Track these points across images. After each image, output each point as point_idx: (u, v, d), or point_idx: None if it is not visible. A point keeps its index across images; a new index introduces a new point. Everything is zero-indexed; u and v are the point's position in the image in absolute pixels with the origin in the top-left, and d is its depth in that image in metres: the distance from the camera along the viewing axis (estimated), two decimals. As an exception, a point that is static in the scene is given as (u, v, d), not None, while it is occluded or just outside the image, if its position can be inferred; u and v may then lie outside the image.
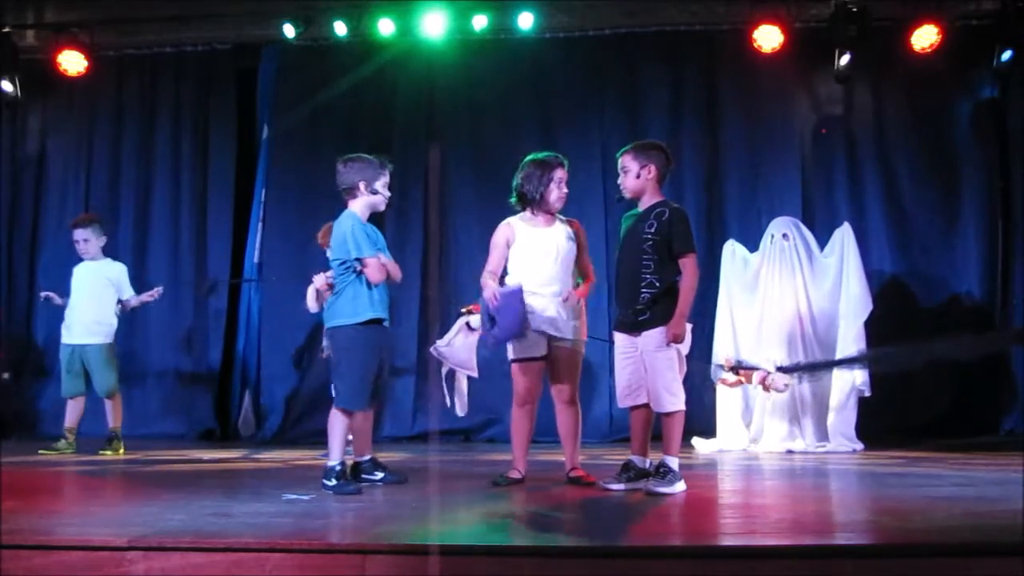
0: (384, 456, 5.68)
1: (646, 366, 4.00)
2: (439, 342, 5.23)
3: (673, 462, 3.92)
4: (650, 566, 2.56)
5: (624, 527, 3.18)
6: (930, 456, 5.64)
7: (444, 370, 5.38)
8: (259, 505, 3.52)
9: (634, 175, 4.07)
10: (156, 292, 6.26)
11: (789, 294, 6.29)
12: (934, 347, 5.91)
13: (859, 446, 5.99)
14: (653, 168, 4.06)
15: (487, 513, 3.46)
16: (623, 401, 4.13)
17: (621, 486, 4.01)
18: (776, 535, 2.95)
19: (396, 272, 4.23)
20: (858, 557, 2.61)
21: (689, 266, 3.97)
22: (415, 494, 4.08)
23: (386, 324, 4.20)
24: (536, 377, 4.28)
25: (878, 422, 6.38)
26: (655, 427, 4.14)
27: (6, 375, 7.59)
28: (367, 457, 4.51)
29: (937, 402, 7.02)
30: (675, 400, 3.97)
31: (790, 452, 6.00)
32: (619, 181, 4.14)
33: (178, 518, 3.16)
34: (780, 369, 6.01)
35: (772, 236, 6.43)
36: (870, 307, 6.13)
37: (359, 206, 4.19)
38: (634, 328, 4.03)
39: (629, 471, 4.08)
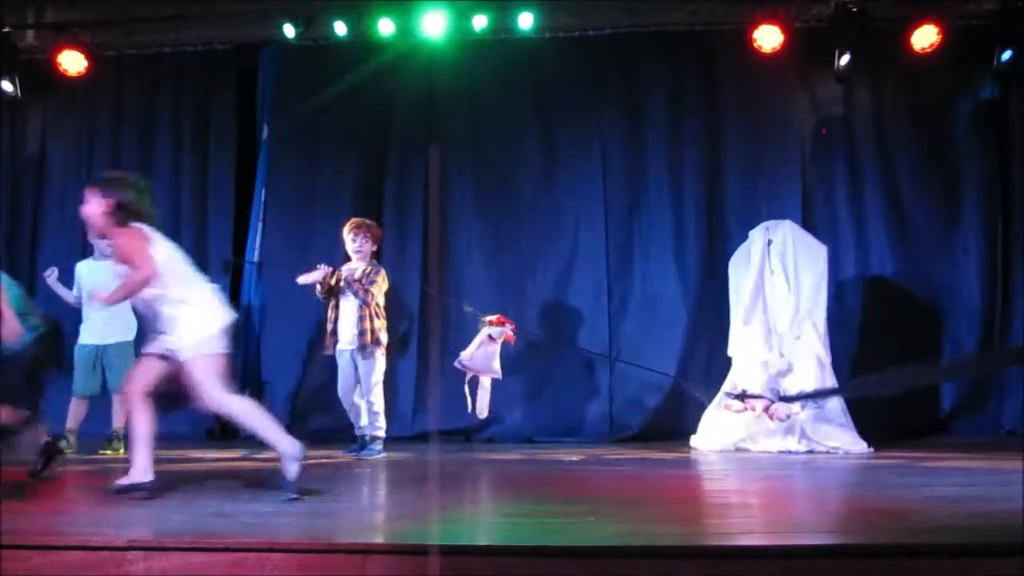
0: (384, 456, 5.66)
1: None
2: (463, 354, 5.31)
3: None
4: (650, 566, 2.56)
5: (624, 527, 3.18)
6: (930, 456, 5.64)
7: (468, 376, 5.47)
8: (259, 505, 3.52)
9: None
10: None
11: (782, 298, 6.27)
12: (936, 370, 5.92)
13: (862, 446, 5.92)
14: None
15: (487, 513, 3.46)
16: None
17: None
18: (776, 535, 2.95)
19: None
20: (858, 557, 2.61)
21: None
22: (415, 494, 4.08)
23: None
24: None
25: (879, 422, 6.37)
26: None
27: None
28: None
29: (937, 402, 7.02)
30: None
31: (788, 452, 5.99)
32: None
33: (178, 518, 3.16)
34: (783, 399, 6.01)
35: (763, 239, 6.41)
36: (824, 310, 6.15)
37: None
38: None
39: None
